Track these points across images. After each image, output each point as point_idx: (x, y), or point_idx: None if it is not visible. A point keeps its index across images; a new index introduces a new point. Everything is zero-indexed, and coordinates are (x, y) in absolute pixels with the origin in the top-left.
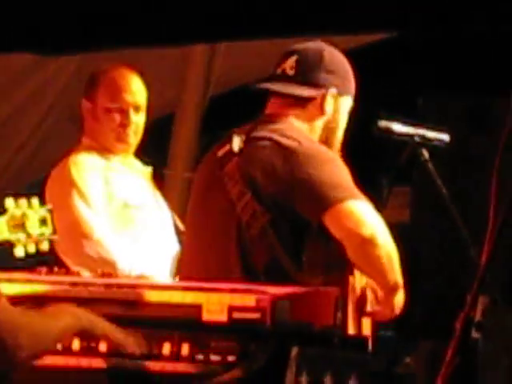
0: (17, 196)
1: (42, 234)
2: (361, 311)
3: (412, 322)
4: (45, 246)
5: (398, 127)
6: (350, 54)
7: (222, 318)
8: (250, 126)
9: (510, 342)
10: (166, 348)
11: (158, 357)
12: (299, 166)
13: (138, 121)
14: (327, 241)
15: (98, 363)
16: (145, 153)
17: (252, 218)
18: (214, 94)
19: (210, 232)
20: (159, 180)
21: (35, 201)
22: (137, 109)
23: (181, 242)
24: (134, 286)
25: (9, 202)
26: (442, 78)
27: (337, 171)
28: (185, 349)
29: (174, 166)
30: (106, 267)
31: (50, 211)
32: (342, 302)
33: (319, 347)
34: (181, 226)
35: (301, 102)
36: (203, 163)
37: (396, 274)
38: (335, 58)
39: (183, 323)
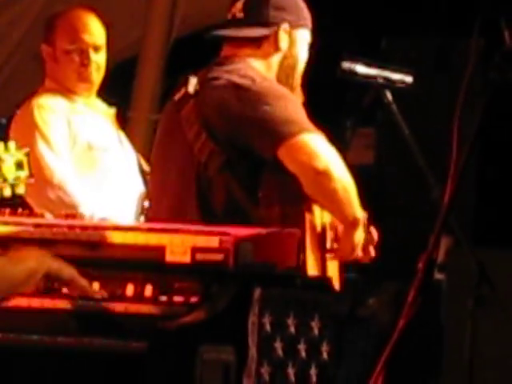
0: None
1: (17, 178)
2: (322, 249)
3: (376, 264)
4: (21, 190)
5: (361, 69)
6: None
7: (185, 259)
8: (206, 69)
9: (474, 282)
10: (130, 289)
11: (122, 298)
12: (252, 103)
13: (99, 60)
14: (283, 176)
15: (61, 304)
16: (109, 95)
17: (209, 158)
18: (177, 36)
19: (171, 176)
20: (123, 122)
21: (12, 144)
22: (96, 48)
23: (146, 183)
24: (97, 228)
25: None
26: (405, 18)
27: (290, 107)
28: (148, 290)
29: (137, 108)
30: (67, 211)
31: (27, 154)
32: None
33: (282, 288)
34: (146, 167)
35: (255, 43)
36: (164, 109)
37: (354, 208)
38: None
39: (146, 264)
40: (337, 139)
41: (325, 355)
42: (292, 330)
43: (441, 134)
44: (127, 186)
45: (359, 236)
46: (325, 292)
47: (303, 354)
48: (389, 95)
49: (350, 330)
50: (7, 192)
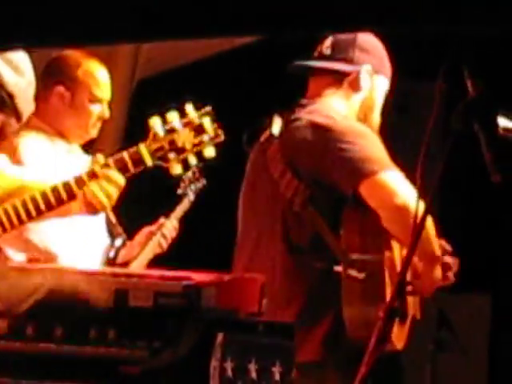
0: None
1: (200, 143)
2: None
3: None
4: (210, 152)
5: None
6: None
7: (148, 303)
8: (290, 110)
9: (434, 326)
10: (92, 333)
11: (84, 341)
12: (334, 142)
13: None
14: (363, 211)
15: (22, 347)
16: None
17: (294, 194)
18: (141, 76)
19: (258, 212)
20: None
21: (189, 107)
22: (107, 103)
23: (111, 233)
24: (61, 272)
25: (154, 121)
26: None
27: (370, 145)
28: (111, 334)
29: (100, 149)
30: (35, 254)
31: (210, 113)
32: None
33: (244, 334)
34: (112, 218)
35: (337, 80)
36: (252, 149)
37: (433, 244)
38: (369, 38)
39: (109, 308)
40: None
41: None
42: (253, 375)
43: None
44: (93, 236)
45: (438, 272)
46: (287, 338)
47: None
48: None
49: None
50: (192, 160)
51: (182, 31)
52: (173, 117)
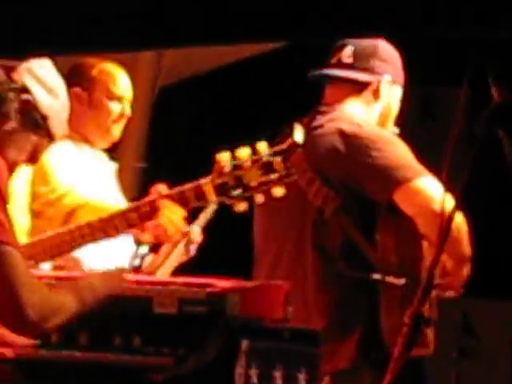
0: None
1: (267, 182)
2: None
3: None
4: (278, 192)
5: None
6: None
7: (173, 310)
8: (309, 117)
9: (458, 333)
10: (117, 340)
11: (109, 349)
12: (363, 149)
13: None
14: (397, 217)
15: (47, 355)
16: None
17: (324, 202)
18: (163, 84)
19: (283, 224)
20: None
21: (262, 146)
22: (129, 103)
23: (136, 241)
24: None
25: (222, 156)
26: None
27: (399, 152)
28: (136, 341)
29: (123, 156)
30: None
31: (283, 152)
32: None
33: (269, 341)
34: None
35: (357, 89)
36: None
37: (466, 244)
38: (388, 48)
39: (134, 316)
40: None
41: None
42: (279, 382)
43: None
44: (117, 243)
45: (466, 270)
46: (312, 344)
47: None
48: None
49: None
50: (258, 199)
51: (201, 38)
52: (243, 154)
